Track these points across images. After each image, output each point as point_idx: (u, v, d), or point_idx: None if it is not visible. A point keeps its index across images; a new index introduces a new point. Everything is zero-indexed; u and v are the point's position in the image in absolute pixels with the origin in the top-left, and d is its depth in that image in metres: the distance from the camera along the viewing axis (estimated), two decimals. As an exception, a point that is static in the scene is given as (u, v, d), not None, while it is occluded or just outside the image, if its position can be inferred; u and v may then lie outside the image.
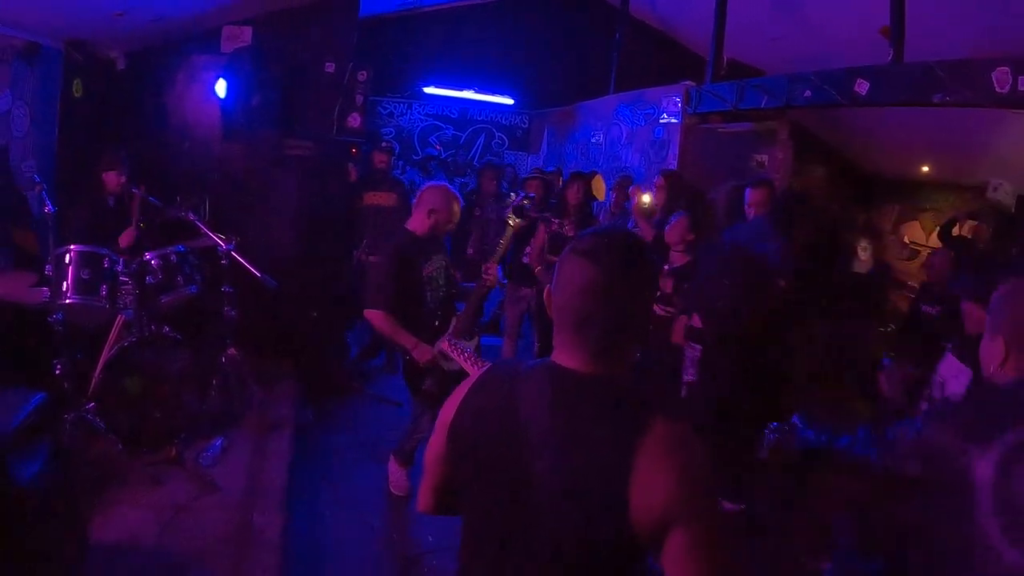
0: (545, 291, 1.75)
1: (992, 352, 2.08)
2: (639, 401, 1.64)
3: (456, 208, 4.85)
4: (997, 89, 4.67)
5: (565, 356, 1.69)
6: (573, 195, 7.27)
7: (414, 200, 4.94)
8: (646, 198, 6.61)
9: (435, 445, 1.87)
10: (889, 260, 10.92)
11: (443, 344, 4.28)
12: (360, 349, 8.13)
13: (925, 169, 10.79)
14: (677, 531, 1.49)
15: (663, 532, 1.50)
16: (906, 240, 11.29)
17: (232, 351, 5.66)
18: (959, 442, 1.90)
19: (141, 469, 4.64)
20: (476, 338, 5.00)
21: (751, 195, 5.95)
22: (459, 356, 4.20)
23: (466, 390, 1.82)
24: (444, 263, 5.00)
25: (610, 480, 1.51)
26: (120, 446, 4.73)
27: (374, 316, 4.55)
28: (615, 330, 1.65)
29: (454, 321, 4.89)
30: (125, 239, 5.53)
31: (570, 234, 6.73)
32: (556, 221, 7.15)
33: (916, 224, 11.26)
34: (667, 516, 1.49)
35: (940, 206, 10.96)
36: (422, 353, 4.56)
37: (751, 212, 5.90)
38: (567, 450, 1.59)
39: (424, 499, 1.97)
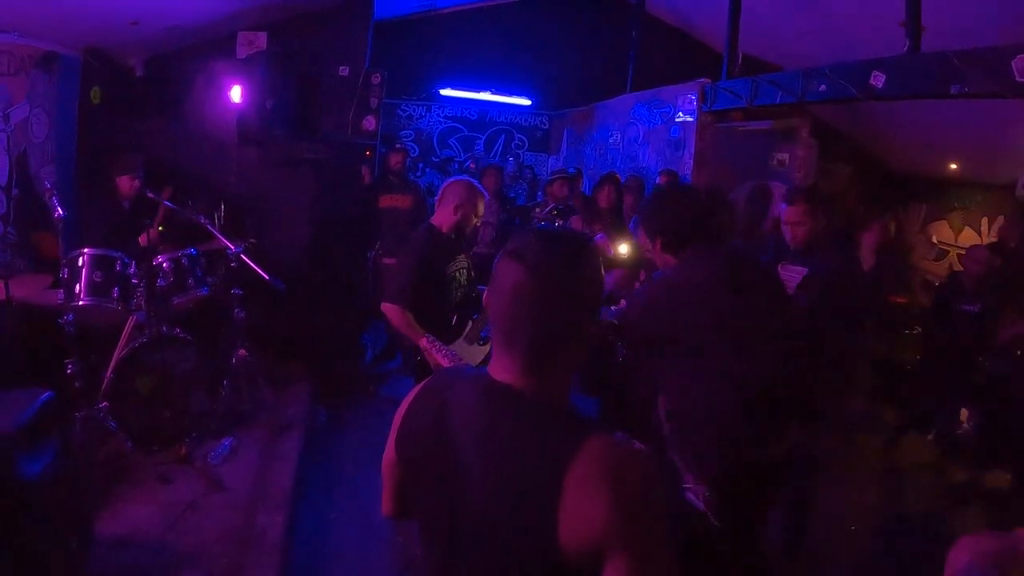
0: (484, 296, 1.64)
1: None
2: (574, 418, 1.53)
3: (481, 203, 4.73)
4: (1017, 78, 4.50)
5: (498, 367, 1.58)
6: (605, 198, 7.26)
7: (436, 197, 4.80)
8: (623, 248, 5.95)
9: (388, 451, 1.80)
10: (914, 260, 10.78)
11: (422, 342, 4.20)
12: (375, 351, 8.17)
13: (953, 167, 10.60)
14: (613, 560, 1.37)
15: (597, 560, 1.38)
16: (934, 240, 11.13)
17: (243, 352, 5.73)
18: None
19: (151, 467, 4.74)
20: (487, 345, 4.92)
21: (788, 213, 4.47)
22: (439, 354, 4.12)
23: (411, 398, 1.76)
24: (467, 263, 4.88)
25: (537, 503, 1.41)
26: (130, 445, 4.84)
27: (390, 311, 4.40)
28: (546, 340, 1.53)
29: (469, 324, 4.77)
30: (144, 238, 5.60)
31: None
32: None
33: (944, 223, 11.10)
34: (600, 543, 1.37)
35: (968, 205, 10.78)
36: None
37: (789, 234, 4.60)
38: (494, 469, 1.50)
39: (385, 503, 1.90)
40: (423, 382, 1.79)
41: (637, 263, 5.32)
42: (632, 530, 1.38)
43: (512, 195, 10.14)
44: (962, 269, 7.12)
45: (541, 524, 1.40)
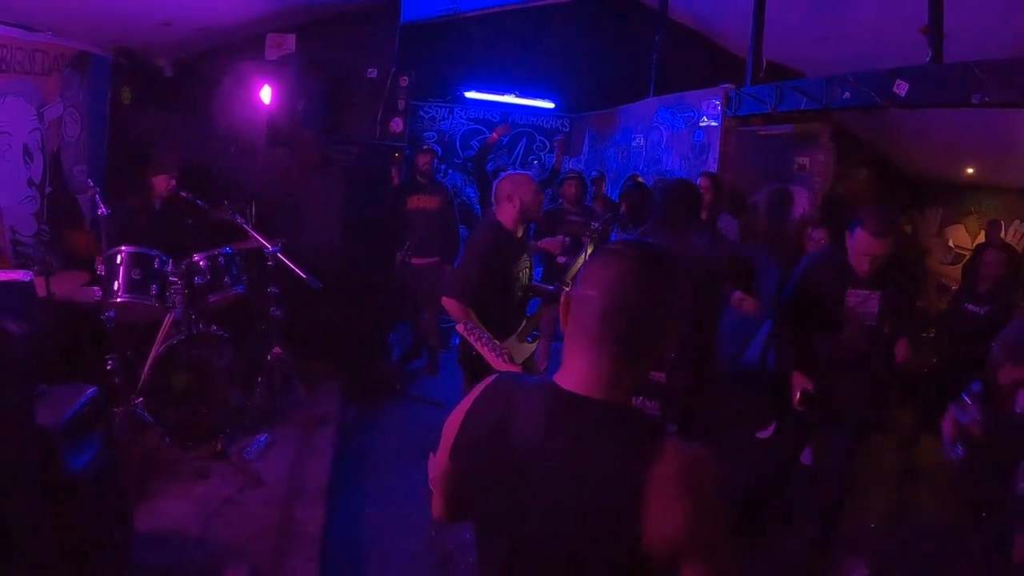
0: (563, 298, 1.66)
1: None
2: (646, 423, 1.57)
3: (537, 190, 4.67)
4: (1037, 88, 4.62)
5: (572, 373, 1.60)
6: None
7: (492, 196, 4.76)
8: None
9: (440, 460, 1.79)
10: (929, 263, 10.80)
11: (459, 327, 4.15)
12: (402, 350, 8.24)
13: (970, 171, 10.63)
14: (689, 562, 1.45)
15: (674, 561, 1.45)
16: (951, 244, 11.16)
17: (277, 350, 5.81)
18: None
19: (187, 462, 4.82)
20: (535, 343, 4.95)
21: (870, 244, 4.25)
22: (476, 341, 4.08)
23: (469, 403, 1.74)
24: (530, 263, 4.90)
25: (621, 510, 1.44)
26: (168, 440, 4.92)
27: (451, 305, 4.41)
28: (636, 340, 1.56)
29: (524, 322, 4.82)
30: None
31: None
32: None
33: (961, 227, 11.12)
34: (680, 546, 1.43)
35: (985, 209, 10.80)
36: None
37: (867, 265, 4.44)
38: (569, 475, 1.51)
39: (437, 509, 1.91)
40: (478, 392, 1.76)
41: None
42: (710, 530, 1.45)
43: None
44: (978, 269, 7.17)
45: (625, 527, 1.43)
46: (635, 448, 1.48)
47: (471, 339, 3.92)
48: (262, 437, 5.27)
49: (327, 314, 6.75)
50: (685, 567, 1.45)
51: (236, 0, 6.38)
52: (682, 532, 1.42)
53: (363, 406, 6.63)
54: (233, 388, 5.41)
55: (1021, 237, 10.36)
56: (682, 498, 1.43)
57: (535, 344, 4.93)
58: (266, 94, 6.66)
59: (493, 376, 1.80)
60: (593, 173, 9.20)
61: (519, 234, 4.69)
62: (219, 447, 4.95)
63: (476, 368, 4.55)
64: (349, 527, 4.80)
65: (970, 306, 6.77)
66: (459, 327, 4.09)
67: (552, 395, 1.60)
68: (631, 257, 1.56)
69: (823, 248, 5.61)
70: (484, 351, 3.84)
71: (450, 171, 12.13)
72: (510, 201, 4.57)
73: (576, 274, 4.76)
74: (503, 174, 4.82)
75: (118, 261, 5.01)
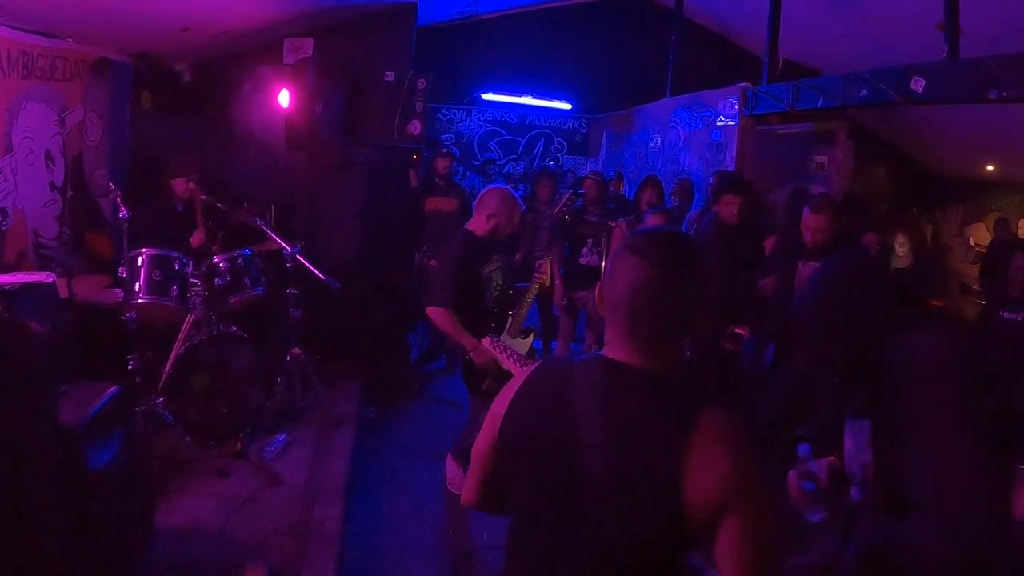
0: (597, 288, 1.80)
1: None
2: (689, 392, 1.67)
3: (516, 213, 4.92)
4: (1054, 84, 4.62)
5: (617, 350, 1.72)
6: (647, 201, 7.32)
7: (475, 202, 4.99)
8: None
9: (486, 437, 1.90)
10: (951, 262, 10.73)
11: (485, 342, 4.31)
12: (420, 351, 8.27)
13: (990, 168, 10.56)
14: (731, 514, 1.53)
15: (717, 516, 1.54)
16: (972, 243, 11.07)
17: (296, 350, 5.86)
18: None
19: (207, 461, 4.87)
20: (529, 338, 5.07)
21: (810, 219, 4.96)
22: (502, 355, 4.22)
23: (520, 383, 1.85)
24: (500, 263, 5.07)
25: (665, 468, 1.55)
26: (188, 439, 4.98)
27: (436, 314, 4.64)
28: (667, 325, 1.68)
29: (509, 320, 4.97)
30: (196, 239, 5.73)
31: None
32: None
33: (981, 226, 11.04)
34: (722, 500, 1.53)
35: (1006, 207, 10.71)
36: (480, 354, 4.63)
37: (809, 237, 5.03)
38: (621, 441, 1.62)
39: (469, 492, 2.00)
40: (530, 371, 1.88)
41: None
42: (748, 489, 1.56)
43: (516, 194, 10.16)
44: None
45: (669, 485, 1.54)
46: (679, 412, 1.62)
47: (496, 352, 4.06)
48: (281, 437, 5.31)
49: (346, 315, 6.81)
50: (724, 523, 1.54)
51: (254, 5, 6.43)
52: (722, 483, 1.53)
53: (381, 406, 6.65)
54: (253, 388, 5.47)
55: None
56: (723, 455, 1.55)
57: (530, 340, 5.03)
58: (284, 98, 6.72)
59: (543, 358, 1.91)
60: (611, 173, 9.20)
61: (488, 239, 4.86)
62: (239, 446, 5.00)
63: (470, 374, 4.83)
64: (367, 526, 4.82)
65: (1005, 313, 6.55)
66: (485, 341, 4.21)
67: (604, 365, 1.72)
68: (655, 259, 1.67)
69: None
70: (508, 363, 3.97)
71: (468, 173, 12.17)
72: (490, 218, 4.78)
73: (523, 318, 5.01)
74: (495, 187, 4.99)
75: (139, 263, 5.09)
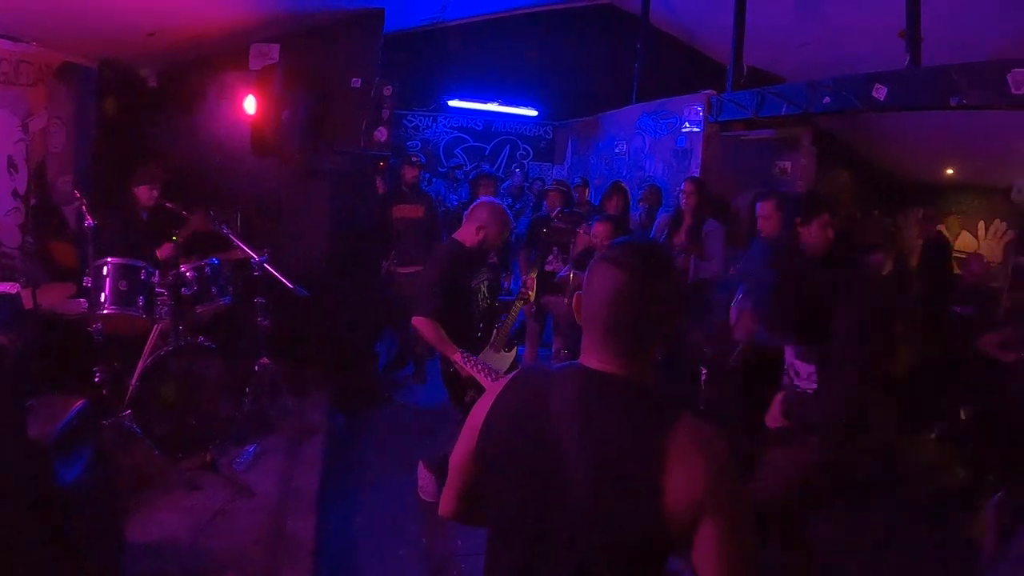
0: (575, 297, 1.80)
1: None
2: (666, 399, 1.69)
3: (506, 228, 4.88)
4: (1013, 91, 4.71)
5: (593, 359, 1.74)
6: (613, 207, 7.34)
7: (466, 213, 4.95)
8: None
9: (463, 447, 1.91)
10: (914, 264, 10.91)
11: (456, 357, 4.31)
12: (388, 359, 8.24)
13: (950, 172, 10.78)
14: (708, 520, 1.55)
15: (694, 522, 1.56)
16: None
17: (265, 360, 5.81)
18: None
19: (177, 474, 4.79)
20: (513, 351, 5.08)
21: (760, 208, 5.52)
22: (474, 370, 4.23)
23: (497, 392, 1.86)
24: (488, 276, 5.09)
25: (643, 475, 1.57)
26: (157, 452, 4.89)
27: (422, 324, 4.53)
28: (643, 334, 1.72)
29: (495, 333, 4.99)
30: (163, 252, 5.66)
31: None
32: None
33: (942, 228, 11.25)
34: (699, 508, 1.55)
35: (965, 209, 10.95)
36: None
37: (761, 226, 5.55)
38: (600, 449, 1.64)
39: (447, 503, 2.01)
40: (507, 380, 1.89)
41: None
42: (725, 493, 1.58)
43: (519, 206, 10.19)
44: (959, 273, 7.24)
45: (647, 491, 1.56)
46: (656, 419, 1.65)
47: (468, 367, 4.08)
48: (251, 448, 5.26)
49: (314, 323, 6.76)
50: (702, 528, 1.56)
51: (220, 9, 6.36)
52: (699, 492, 1.55)
53: (352, 415, 6.63)
54: (221, 399, 5.39)
55: (1002, 236, 10.52)
56: (699, 461, 1.58)
57: (513, 353, 5.03)
58: (250, 104, 6.64)
59: (519, 368, 1.97)
60: (576, 180, 9.24)
61: (476, 250, 4.82)
62: (209, 458, 4.94)
63: (451, 386, 4.76)
64: (340, 536, 4.80)
65: (957, 308, 6.81)
66: (456, 356, 4.22)
67: (582, 374, 1.75)
68: (630, 269, 1.70)
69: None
70: (480, 378, 3.97)
71: (434, 179, 12.15)
72: (480, 230, 4.72)
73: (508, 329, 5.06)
74: (488, 201, 4.96)
75: (104, 273, 5.01)
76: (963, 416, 6.41)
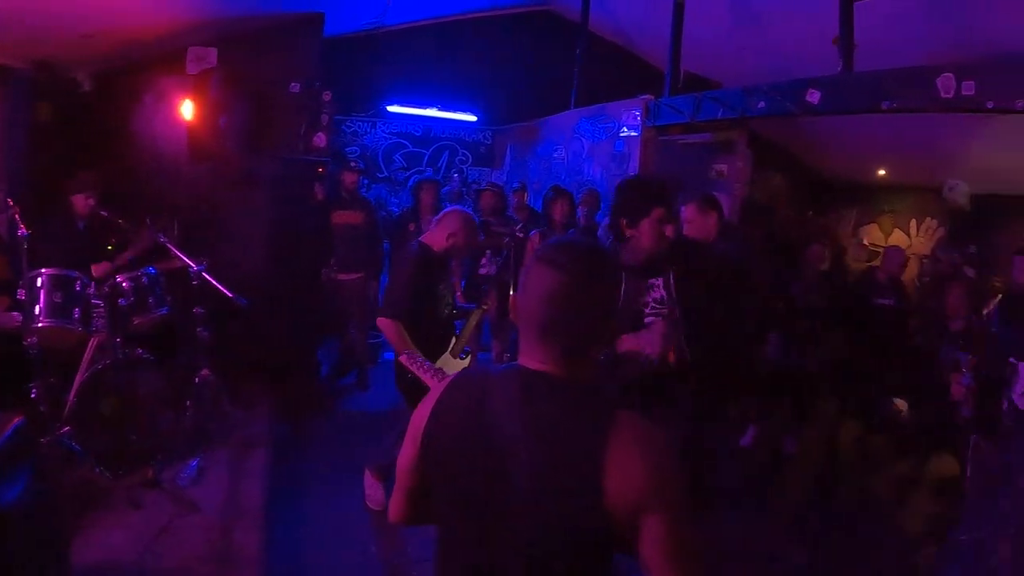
0: (511, 298, 1.82)
1: None
2: (605, 398, 1.74)
3: (475, 238, 4.92)
4: (942, 95, 4.88)
5: (532, 359, 1.75)
6: (559, 212, 7.37)
7: (436, 218, 4.96)
8: None
9: (408, 452, 1.91)
10: (848, 261, 11.19)
11: (402, 359, 4.29)
12: (330, 367, 8.16)
13: (882, 173, 11.08)
14: (651, 517, 1.58)
15: (637, 519, 1.58)
16: (866, 243, 11.60)
17: (205, 371, 5.67)
18: None
19: (120, 491, 4.65)
20: (468, 359, 5.08)
21: (684, 212, 5.29)
22: (418, 370, 4.20)
23: (437, 395, 1.86)
24: (450, 282, 5.12)
25: (585, 472, 1.58)
26: (98, 469, 4.76)
27: (386, 325, 4.53)
28: (580, 334, 1.72)
29: (454, 340, 5.01)
30: (98, 271, 5.52)
31: None
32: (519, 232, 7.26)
33: (875, 226, 11.60)
34: (641, 503, 1.57)
35: (897, 208, 11.28)
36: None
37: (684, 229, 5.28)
38: (542, 449, 1.64)
39: (396, 508, 2.01)
40: (447, 382, 1.88)
41: None
42: (668, 489, 1.61)
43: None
44: (878, 266, 7.46)
45: (590, 490, 1.58)
46: (596, 417, 1.66)
47: (414, 368, 4.05)
48: (194, 462, 5.13)
49: (255, 333, 6.65)
50: (645, 523, 1.59)
51: (157, 12, 6.23)
52: (641, 487, 1.57)
53: (295, 425, 6.55)
54: (162, 413, 5.29)
55: (933, 233, 10.85)
56: (639, 457, 1.60)
57: (468, 360, 5.03)
58: (187, 109, 6.53)
59: (459, 371, 1.93)
60: (515, 184, 9.29)
61: (442, 256, 4.84)
62: (151, 474, 4.80)
63: (412, 392, 4.62)
64: (288, 548, 4.72)
65: (880, 300, 7.01)
66: (402, 358, 4.24)
67: (520, 374, 1.75)
68: (566, 270, 1.70)
69: None
70: (426, 378, 3.95)
71: (373, 185, 12.05)
72: (450, 237, 4.75)
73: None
74: (460, 210, 4.99)
75: (39, 284, 4.88)
76: (901, 407, 6.57)
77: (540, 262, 1.75)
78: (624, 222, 3.59)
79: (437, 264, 4.80)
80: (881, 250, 10.81)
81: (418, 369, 4.08)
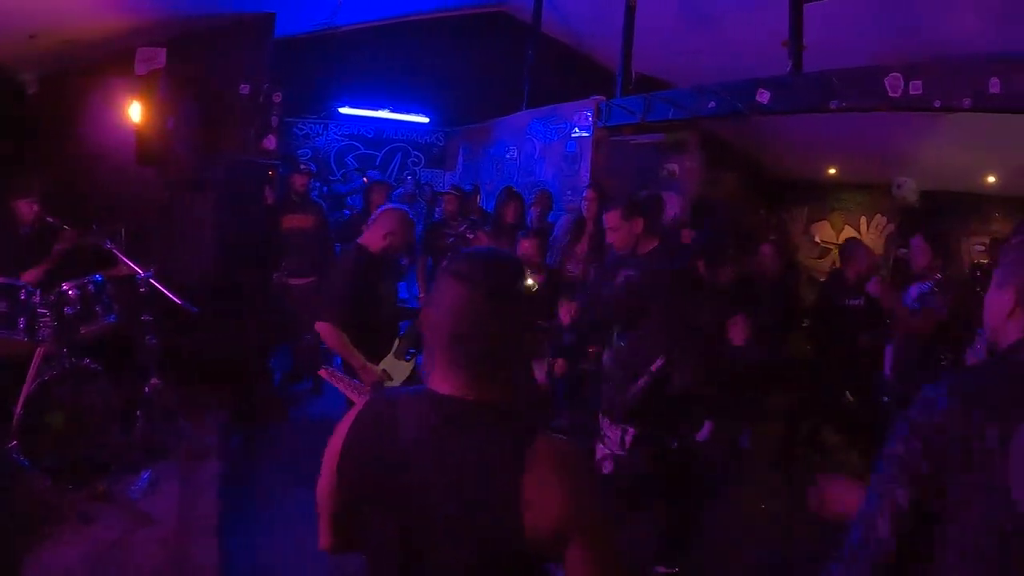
0: (422, 313, 1.77)
1: (1000, 303, 2.09)
2: (520, 422, 1.63)
3: (411, 234, 4.91)
4: (890, 94, 4.97)
5: (442, 380, 1.67)
6: (511, 214, 7.34)
7: (372, 218, 4.89)
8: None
9: (324, 482, 1.82)
10: (799, 258, 11.35)
11: (322, 372, 4.23)
12: (283, 374, 8.06)
13: (832, 171, 11.26)
14: (574, 545, 1.52)
15: (560, 544, 1.52)
16: (817, 240, 11.79)
17: (155, 380, 5.56)
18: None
19: (71, 506, 4.53)
20: (411, 361, 5.02)
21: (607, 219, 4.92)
22: (338, 384, 4.14)
23: (349, 424, 1.78)
24: (393, 283, 5.07)
25: (504, 498, 1.52)
26: (47, 483, 4.64)
27: (324, 329, 4.48)
28: (489, 354, 1.65)
29: (397, 342, 4.91)
30: (28, 275, 5.36)
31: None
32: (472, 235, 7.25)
33: (826, 223, 11.81)
34: (562, 530, 1.51)
35: (848, 205, 11.50)
36: (369, 374, 4.54)
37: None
38: (456, 475, 1.58)
39: (323, 538, 1.92)
40: (357, 410, 1.80)
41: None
42: (587, 510, 1.56)
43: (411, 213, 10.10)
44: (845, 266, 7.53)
45: (507, 518, 1.51)
46: (511, 441, 1.58)
47: (333, 382, 4.00)
48: (145, 474, 5.02)
49: (206, 340, 6.54)
50: (570, 551, 1.53)
51: (105, 10, 6.09)
52: (561, 514, 1.52)
53: (249, 433, 6.45)
54: (112, 424, 5.16)
55: (883, 230, 11.05)
56: (557, 482, 1.53)
57: (412, 363, 4.99)
58: (135, 111, 6.40)
59: (372, 394, 1.90)
60: (468, 186, 9.24)
61: (381, 256, 4.77)
62: (102, 488, 4.69)
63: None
64: (244, 559, 4.64)
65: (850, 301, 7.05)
66: (322, 372, 4.18)
67: (431, 400, 1.66)
68: (475, 284, 1.63)
69: None
70: (347, 392, 3.90)
71: (325, 188, 11.94)
72: (387, 236, 4.70)
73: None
74: (395, 207, 4.94)
75: (-19, 294, 4.74)
76: (849, 399, 6.67)
77: (447, 274, 1.69)
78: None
79: (376, 265, 4.73)
80: (832, 247, 11.03)
81: (338, 383, 4.04)
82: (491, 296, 1.63)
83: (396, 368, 4.82)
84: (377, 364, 4.69)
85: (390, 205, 5.05)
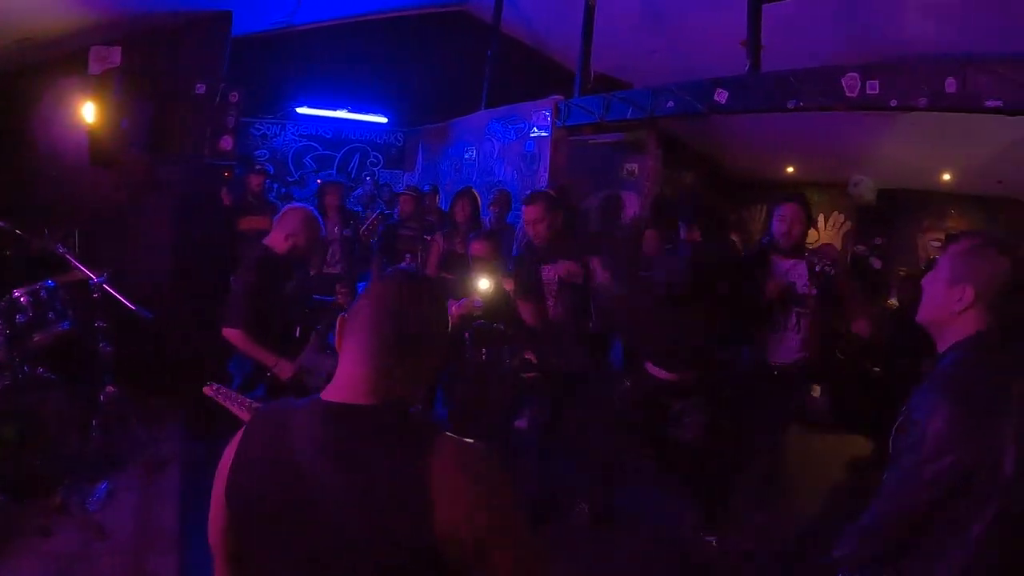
0: (339, 320, 1.75)
1: (953, 296, 2.10)
2: (421, 425, 1.61)
3: (316, 234, 4.83)
4: (847, 94, 5.02)
5: (340, 388, 1.65)
6: (461, 213, 7.30)
7: (276, 218, 4.85)
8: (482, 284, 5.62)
9: (215, 515, 1.73)
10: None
11: (206, 390, 4.14)
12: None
13: (790, 170, 11.40)
14: (490, 548, 1.49)
15: (476, 551, 1.48)
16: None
17: (111, 388, 5.43)
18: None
19: (26, 519, 4.42)
20: (333, 358, 4.93)
21: (528, 212, 5.19)
22: (227, 402, 4.06)
23: (236, 445, 1.69)
24: (301, 280, 5.02)
25: (410, 506, 1.47)
26: (2, 497, 4.51)
27: (232, 335, 4.45)
28: (401, 335, 1.65)
29: (313, 336, 4.80)
30: None
31: (461, 251, 6.70)
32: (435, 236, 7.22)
33: (784, 222, 11.92)
34: (474, 534, 1.47)
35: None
36: (283, 370, 4.49)
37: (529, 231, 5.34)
38: (355, 486, 1.51)
39: (217, 572, 1.82)
40: (243, 430, 1.72)
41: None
42: (499, 514, 1.53)
43: (364, 213, 10.01)
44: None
45: (416, 529, 1.46)
46: (412, 447, 1.54)
47: (220, 399, 3.94)
48: (103, 485, 4.90)
49: (161, 346, 6.43)
50: (485, 554, 1.49)
51: (57, 7, 5.94)
52: (472, 520, 1.48)
53: (209, 441, 6.31)
54: (67, 434, 5.01)
55: (840, 227, 11.22)
56: (466, 487, 1.50)
57: (333, 360, 4.89)
58: (88, 111, 6.27)
59: (260, 407, 1.86)
60: (426, 187, 9.19)
61: (286, 257, 4.74)
62: (59, 500, 4.57)
63: (278, 394, 4.60)
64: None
65: None
66: (206, 389, 4.08)
67: (322, 410, 1.63)
68: (399, 278, 1.74)
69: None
70: (235, 409, 3.85)
71: (283, 190, 11.82)
72: (288, 237, 4.67)
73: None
74: (297, 207, 4.92)
75: (-69, 302, 4.60)
76: (815, 393, 6.74)
77: (364, 294, 1.75)
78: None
79: (281, 266, 4.69)
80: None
81: (224, 400, 3.96)
82: (408, 287, 1.71)
83: (319, 361, 4.67)
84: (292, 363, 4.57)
85: (293, 205, 5.00)
